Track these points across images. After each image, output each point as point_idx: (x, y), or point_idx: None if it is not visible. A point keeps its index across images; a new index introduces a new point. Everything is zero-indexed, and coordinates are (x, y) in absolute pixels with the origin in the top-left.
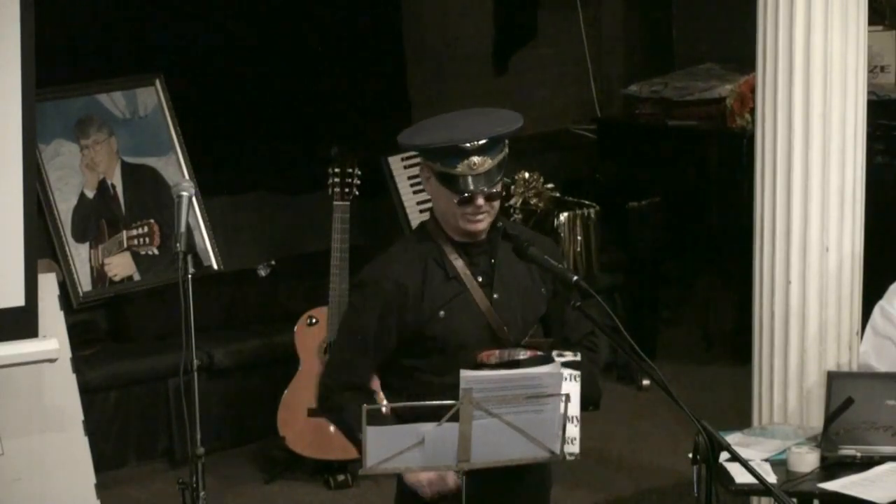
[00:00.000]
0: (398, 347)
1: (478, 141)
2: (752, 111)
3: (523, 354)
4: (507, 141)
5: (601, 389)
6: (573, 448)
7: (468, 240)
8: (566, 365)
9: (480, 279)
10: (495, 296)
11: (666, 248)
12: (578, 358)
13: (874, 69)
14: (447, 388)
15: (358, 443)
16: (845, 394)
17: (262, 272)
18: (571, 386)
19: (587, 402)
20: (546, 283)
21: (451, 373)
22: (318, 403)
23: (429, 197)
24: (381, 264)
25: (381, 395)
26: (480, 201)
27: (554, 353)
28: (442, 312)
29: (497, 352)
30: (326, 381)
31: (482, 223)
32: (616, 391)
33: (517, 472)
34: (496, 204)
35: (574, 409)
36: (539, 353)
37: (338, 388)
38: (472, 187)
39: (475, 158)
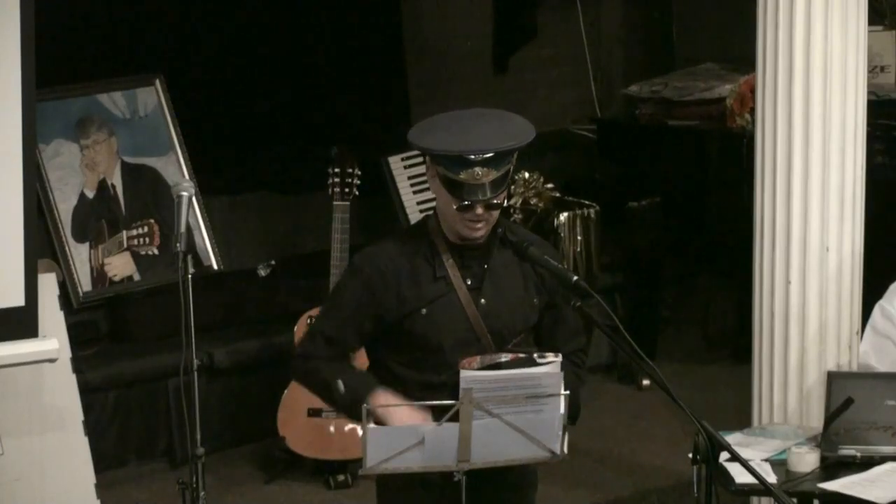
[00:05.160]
0: (380, 337)
1: (483, 154)
2: (752, 111)
3: (505, 358)
4: (515, 153)
5: (580, 406)
6: None
7: (464, 242)
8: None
9: (470, 282)
10: (482, 301)
11: (666, 248)
12: (559, 359)
13: (874, 69)
14: (424, 385)
15: (333, 402)
16: (845, 394)
17: (262, 272)
18: None
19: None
20: (540, 294)
21: (427, 371)
22: (292, 372)
23: (428, 198)
24: (370, 251)
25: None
26: (479, 210)
27: (535, 354)
28: (424, 310)
29: (479, 358)
30: (299, 349)
31: (479, 231)
32: (616, 391)
33: (504, 469)
34: (496, 213)
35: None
36: (521, 355)
37: (311, 356)
38: (472, 196)
39: (479, 169)
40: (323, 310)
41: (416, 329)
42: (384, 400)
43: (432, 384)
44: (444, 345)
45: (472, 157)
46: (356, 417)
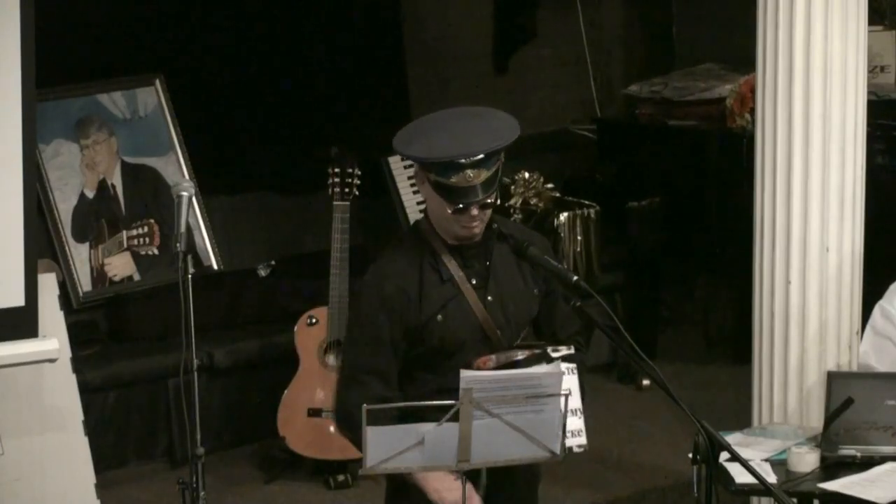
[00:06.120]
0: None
1: (474, 156)
2: (752, 111)
3: (521, 355)
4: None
5: (585, 389)
6: (581, 440)
7: (461, 243)
8: (563, 359)
9: (474, 281)
10: (489, 298)
11: (666, 248)
12: (573, 351)
13: (874, 69)
14: (441, 389)
15: None
16: (845, 394)
17: (262, 272)
18: (570, 379)
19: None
20: (538, 284)
21: (444, 374)
22: (336, 421)
23: None
24: (380, 268)
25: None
26: (475, 211)
27: (549, 348)
28: (440, 316)
29: (494, 356)
30: (346, 398)
31: (475, 230)
32: (616, 391)
33: (507, 467)
34: (489, 211)
35: (575, 401)
36: (536, 351)
37: (359, 401)
38: (466, 198)
39: (470, 172)
40: (357, 346)
41: (434, 335)
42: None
43: (450, 388)
44: (460, 347)
45: (463, 160)
46: None
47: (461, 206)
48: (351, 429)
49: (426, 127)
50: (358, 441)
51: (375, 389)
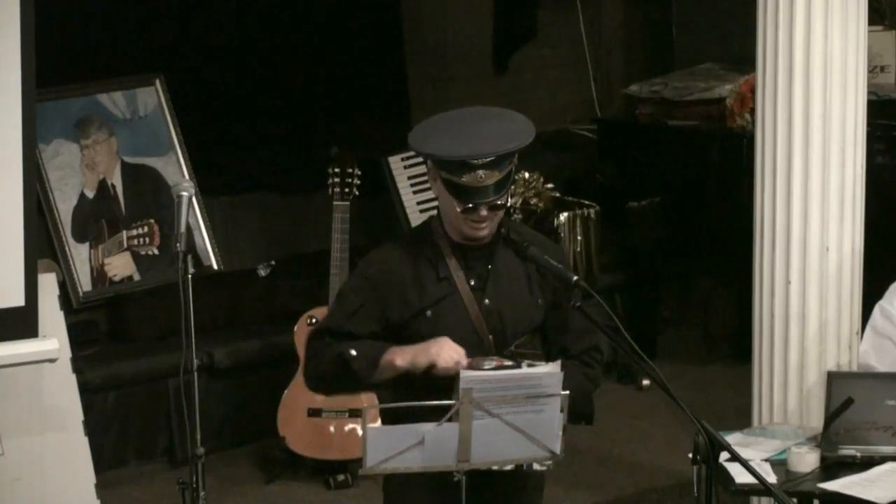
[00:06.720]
0: (387, 340)
1: (486, 158)
2: (752, 111)
3: (488, 364)
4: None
5: (593, 406)
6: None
7: (468, 243)
8: None
9: (473, 283)
10: (486, 301)
11: (666, 248)
12: (557, 370)
13: (874, 69)
14: (430, 387)
15: (352, 373)
16: (845, 394)
17: (262, 272)
18: None
19: (579, 417)
20: (545, 294)
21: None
22: (305, 379)
23: (428, 198)
24: (375, 254)
25: None
26: (484, 212)
27: (524, 363)
28: (429, 312)
29: (469, 361)
30: (307, 353)
31: (484, 231)
32: (616, 391)
33: (511, 471)
34: (500, 213)
35: None
36: (505, 363)
37: (317, 352)
38: (476, 199)
39: (482, 172)
40: (328, 312)
41: (422, 331)
42: (401, 353)
43: (438, 386)
44: None
45: (475, 161)
46: (375, 382)
47: (470, 205)
48: (307, 378)
49: (442, 125)
50: (318, 381)
51: (332, 346)
